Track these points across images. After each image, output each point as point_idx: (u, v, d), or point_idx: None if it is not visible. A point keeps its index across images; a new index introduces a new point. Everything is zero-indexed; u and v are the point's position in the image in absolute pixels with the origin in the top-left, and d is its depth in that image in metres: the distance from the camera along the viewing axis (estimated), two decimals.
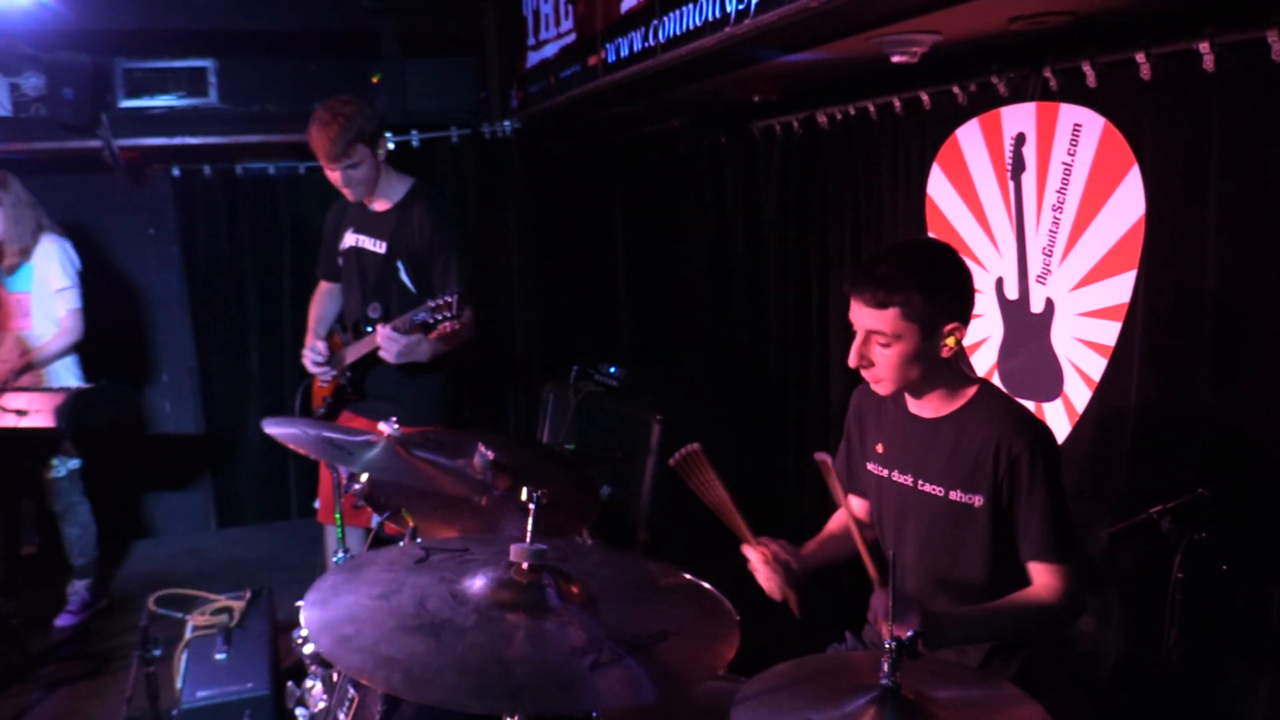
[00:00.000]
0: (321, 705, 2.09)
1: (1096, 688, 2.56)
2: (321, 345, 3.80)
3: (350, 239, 3.73)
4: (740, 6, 2.65)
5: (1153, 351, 2.58)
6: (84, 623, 4.52)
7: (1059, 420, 2.87)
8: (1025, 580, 2.06)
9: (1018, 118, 2.87)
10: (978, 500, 2.07)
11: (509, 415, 5.34)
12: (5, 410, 3.85)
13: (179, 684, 2.87)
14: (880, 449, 2.29)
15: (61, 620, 4.50)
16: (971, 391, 2.15)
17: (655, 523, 4.01)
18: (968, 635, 2.04)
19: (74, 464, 4.50)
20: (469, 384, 5.36)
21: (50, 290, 4.35)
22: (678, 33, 3.05)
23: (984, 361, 3.10)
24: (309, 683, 2.20)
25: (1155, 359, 2.57)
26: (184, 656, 2.99)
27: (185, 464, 5.70)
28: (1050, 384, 2.88)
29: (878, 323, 2.03)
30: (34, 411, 3.88)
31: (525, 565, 1.45)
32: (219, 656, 2.89)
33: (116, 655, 4.13)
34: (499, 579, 1.48)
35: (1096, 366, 2.73)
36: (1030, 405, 2.93)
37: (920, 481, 2.17)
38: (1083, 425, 2.80)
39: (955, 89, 3.08)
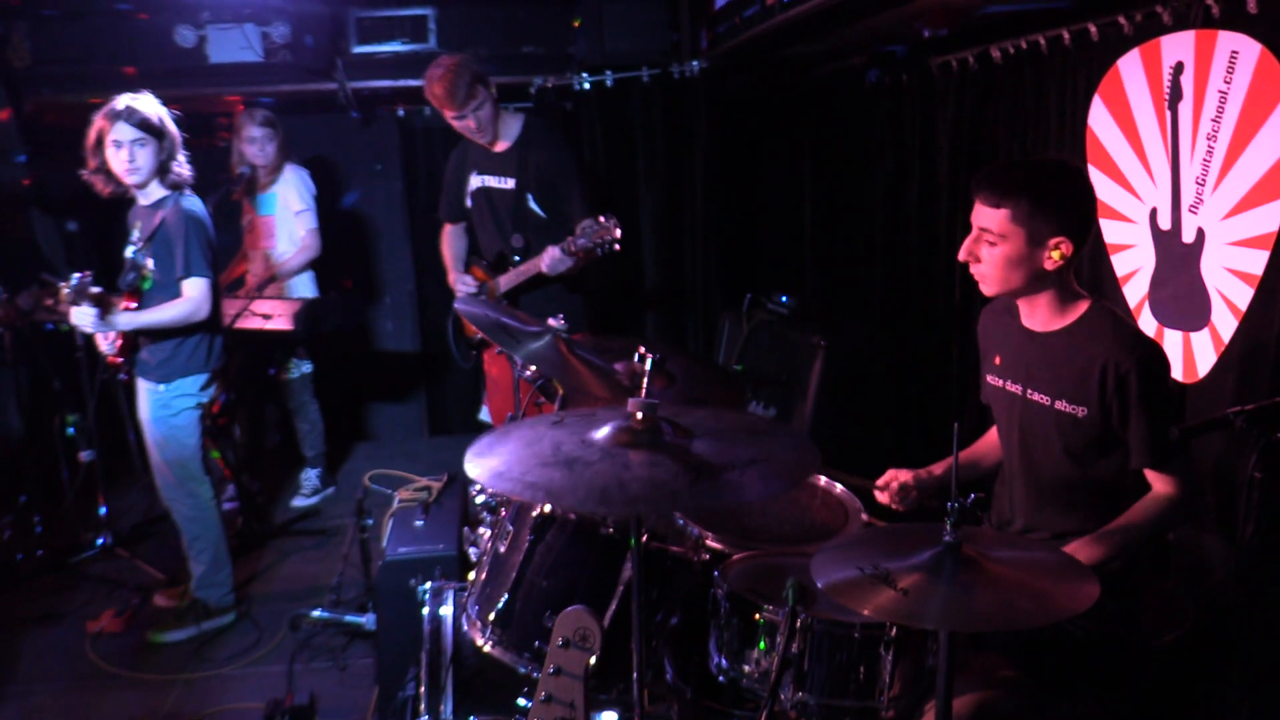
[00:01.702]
0: (488, 546, 2.48)
1: (1203, 593, 2.64)
2: (469, 277, 4.22)
3: (476, 180, 4.14)
4: None
5: None
6: (314, 505, 5.23)
7: (1205, 350, 2.89)
8: (1119, 482, 2.20)
9: (1177, 46, 2.88)
10: (1082, 411, 2.21)
11: (689, 341, 5.65)
12: (254, 314, 4.52)
13: (384, 543, 3.37)
14: (998, 361, 2.45)
15: (296, 501, 5.23)
16: (1083, 308, 2.27)
17: (815, 442, 4.22)
18: (1105, 557, 2.16)
19: (306, 368, 5.17)
20: (654, 311, 5.72)
21: (291, 212, 5.00)
22: None
23: (1135, 292, 3.14)
24: (481, 530, 2.62)
25: None
26: (390, 523, 3.50)
27: (403, 377, 6.35)
28: (1198, 314, 2.90)
29: (989, 221, 2.20)
30: (277, 316, 4.53)
31: (640, 415, 1.76)
32: (418, 523, 3.38)
33: (338, 531, 4.79)
34: (620, 426, 1.80)
35: (1244, 296, 2.74)
36: (1178, 335, 2.98)
37: (1029, 391, 2.32)
38: (1229, 354, 2.82)
39: (1121, 19, 3.10)
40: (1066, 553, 2.10)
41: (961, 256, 2.27)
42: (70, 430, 4.66)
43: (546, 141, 4.01)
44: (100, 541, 4.56)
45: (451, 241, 4.43)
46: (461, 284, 4.23)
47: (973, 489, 1.85)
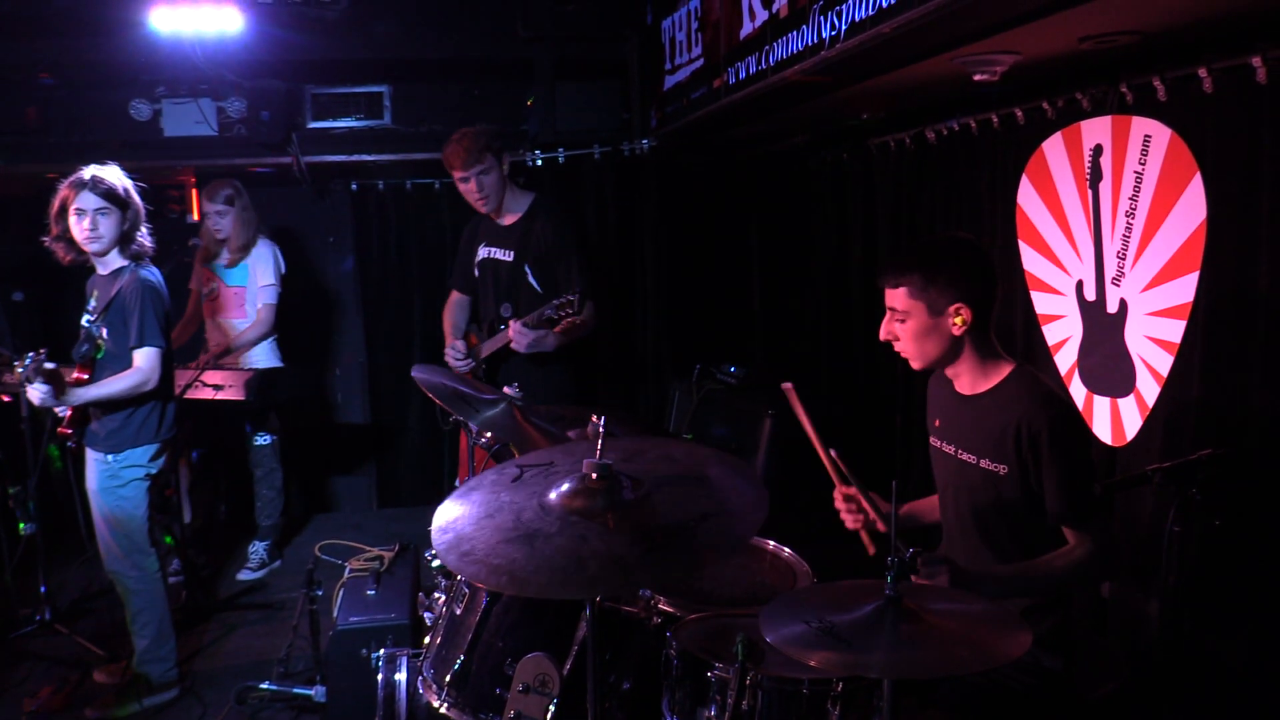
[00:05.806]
0: (443, 609, 2.50)
1: (1139, 650, 2.73)
2: (460, 344, 4.34)
3: (483, 251, 4.28)
4: (832, 33, 2.97)
5: (1213, 347, 2.73)
6: (261, 578, 5.16)
7: (1132, 415, 3.04)
8: (1051, 539, 2.30)
9: (1096, 130, 3.08)
10: (1003, 469, 2.32)
11: (640, 411, 5.73)
12: (205, 385, 4.52)
13: (335, 613, 3.36)
14: (938, 424, 2.56)
15: (242, 575, 5.16)
16: (1006, 371, 2.39)
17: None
18: (1000, 590, 2.24)
19: (275, 436, 5.15)
20: (605, 382, 5.79)
21: (258, 285, 5.04)
22: (783, 57, 3.38)
23: (1065, 360, 3.29)
24: (436, 594, 2.63)
25: (1216, 354, 2.73)
26: (341, 592, 3.49)
27: (353, 449, 6.32)
28: (1124, 380, 3.05)
29: (894, 300, 2.36)
30: (228, 387, 4.54)
31: (594, 476, 1.83)
32: (369, 592, 3.38)
33: (286, 604, 4.72)
34: (575, 489, 1.87)
35: (1164, 363, 2.90)
36: (1106, 401, 3.12)
37: (960, 451, 2.43)
38: (1154, 418, 2.96)
39: (1045, 104, 3.30)
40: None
41: (882, 336, 2.43)
42: (10, 502, 4.57)
43: (549, 218, 4.15)
44: (39, 617, 4.45)
45: (453, 310, 4.55)
46: (452, 350, 4.34)
47: (913, 544, 1.93)
